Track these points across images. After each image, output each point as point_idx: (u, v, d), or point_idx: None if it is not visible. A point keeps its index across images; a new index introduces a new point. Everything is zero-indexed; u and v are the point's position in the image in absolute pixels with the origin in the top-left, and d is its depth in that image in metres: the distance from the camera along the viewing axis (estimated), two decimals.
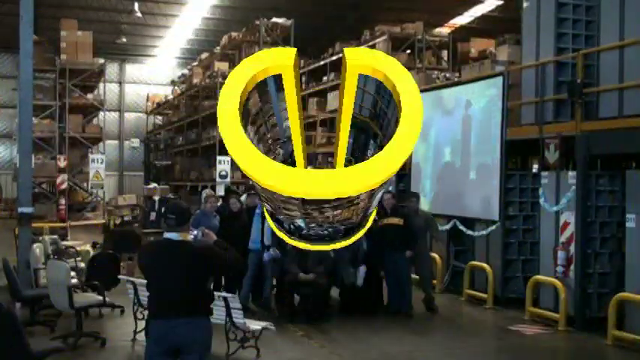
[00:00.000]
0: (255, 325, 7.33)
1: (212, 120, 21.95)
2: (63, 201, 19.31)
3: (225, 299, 7.03)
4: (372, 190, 1.67)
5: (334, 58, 24.55)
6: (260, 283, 9.65)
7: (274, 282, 9.78)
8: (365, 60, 1.85)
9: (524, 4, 10.84)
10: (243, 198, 10.72)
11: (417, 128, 1.69)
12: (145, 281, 7.10)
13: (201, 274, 4.57)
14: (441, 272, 11.43)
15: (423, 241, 10.35)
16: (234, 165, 20.39)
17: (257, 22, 21.01)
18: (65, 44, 20.47)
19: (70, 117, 21.04)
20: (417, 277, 10.38)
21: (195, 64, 27.94)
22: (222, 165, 19.23)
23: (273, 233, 9.53)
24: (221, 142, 20.20)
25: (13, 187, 29.55)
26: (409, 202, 10.40)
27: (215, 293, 7.32)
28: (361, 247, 9.41)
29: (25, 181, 9.88)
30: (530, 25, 10.70)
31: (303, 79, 27.34)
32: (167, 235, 4.58)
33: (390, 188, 13.17)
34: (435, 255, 11.31)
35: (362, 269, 9.37)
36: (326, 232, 2.05)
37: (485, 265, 10.41)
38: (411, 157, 13.21)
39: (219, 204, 10.28)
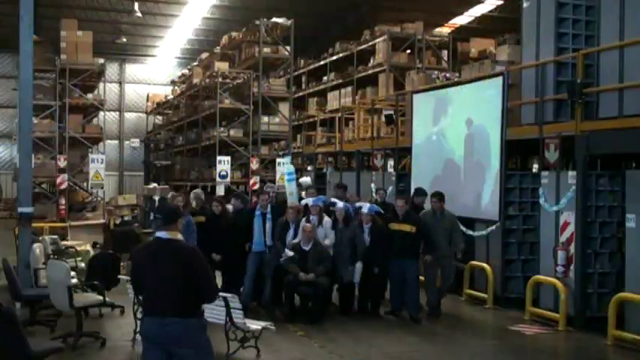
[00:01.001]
0: (255, 325, 7.34)
1: (212, 120, 21.95)
2: (63, 201, 19.32)
3: (225, 299, 7.03)
4: None
5: (334, 58, 24.57)
6: (261, 283, 9.67)
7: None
8: None
9: (524, 4, 10.84)
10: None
11: None
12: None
13: (190, 271, 4.59)
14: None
15: (447, 245, 9.81)
16: (233, 165, 20.42)
17: (257, 22, 21.00)
18: (65, 44, 20.47)
19: (70, 117, 21.05)
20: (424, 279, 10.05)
21: (195, 64, 27.95)
22: (222, 165, 19.23)
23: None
24: (221, 142, 20.13)
25: (13, 187, 29.55)
26: (432, 203, 9.88)
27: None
28: (360, 243, 9.37)
29: (25, 181, 9.87)
30: (530, 25, 10.69)
31: (303, 79, 27.37)
32: (158, 234, 4.76)
33: (390, 189, 13.20)
34: None
35: (358, 265, 9.28)
36: None
37: (485, 265, 10.40)
38: (411, 157, 13.22)
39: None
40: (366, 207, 9.69)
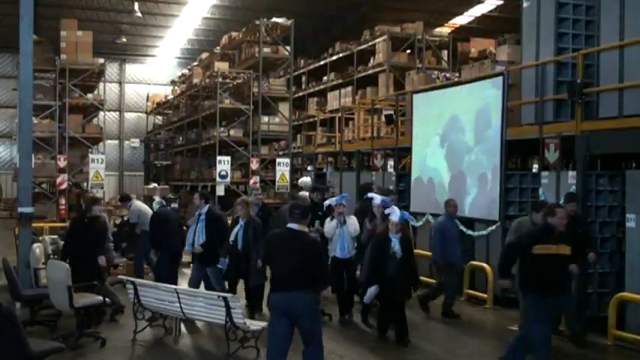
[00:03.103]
0: (255, 325, 7.34)
1: (212, 120, 21.96)
2: (63, 201, 19.31)
3: (225, 299, 7.03)
4: None
5: (334, 58, 24.58)
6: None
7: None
8: None
9: (524, 4, 10.84)
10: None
11: None
12: (145, 281, 7.22)
13: (313, 258, 5.84)
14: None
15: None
16: (233, 165, 20.42)
17: (257, 22, 21.00)
18: (65, 44, 20.46)
19: (70, 117, 21.03)
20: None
21: (195, 64, 27.95)
22: (222, 165, 19.23)
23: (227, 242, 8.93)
24: (221, 142, 20.09)
25: (13, 187, 29.55)
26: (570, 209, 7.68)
27: (216, 293, 7.34)
28: (390, 256, 8.04)
29: (25, 181, 9.86)
30: (530, 25, 10.70)
31: (303, 79, 27.37)
32: (290, 225, 5.92)
33: (392, 188, 13.15)
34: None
35: (373, 289, 8.14)
36: None
37: (485, 265, 10.40)
38: (411, 157, 13.22)
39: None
40: (396, 214, 8.17)
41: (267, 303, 6.15)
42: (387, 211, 8.47)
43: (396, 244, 7.96)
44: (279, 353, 5.82)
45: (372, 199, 9.17)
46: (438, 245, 9.59)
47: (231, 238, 8.90)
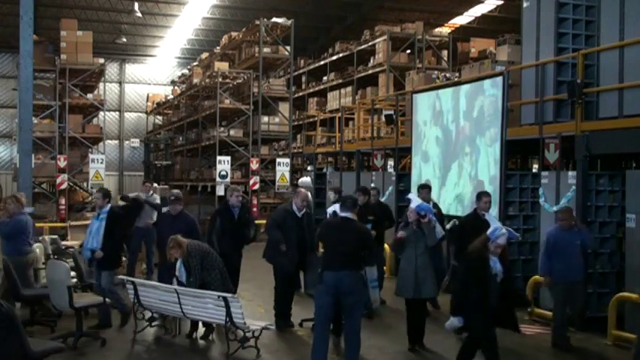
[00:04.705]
0: (255, 325, 7.34)
1: (212, 120, 21.96)
2: (63, 201, 19.32)
3: (225, 299, 7.03)
4: None
5: (334, 58, 24.59)
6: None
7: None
8: None
9: (524, 4, 10.84)
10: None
11: None
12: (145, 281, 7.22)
13: (360, 242, 6.66)
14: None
15: None
16: (233, 165, 20.41)
17: (257, 22, 21.01)
18: (65, 44, 20.46)
19: (70, 117, 21.03)
20: None
21: (195, 64, 27.96)
22: (222, 165, 19.24)
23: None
24: (221, 142, 20.03)
25: (13, 187, 29.55)
26: None
27: (216, 293, 7.34)
28: (489, 276, 6.08)
29: (25, 181, 9.88)
30: (530, 25, 10.70)
31: (303, 79, 27.38)
32: (342, 213, 6.79)
33: (390, 188, 13.17)
34: None
35: (457, 321, 6.23)
36: None
37: None
38: (411, 157, 13.23)
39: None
40: (504, 236, 6.12)
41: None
42: (495, 233, 6.11)
43: (496, 263, 6.10)
44: (325, 322, 6.67)
45: (410, 201, 7.89)
46: (542, 258, 8.37)
47: (176, 272, 7.90)
